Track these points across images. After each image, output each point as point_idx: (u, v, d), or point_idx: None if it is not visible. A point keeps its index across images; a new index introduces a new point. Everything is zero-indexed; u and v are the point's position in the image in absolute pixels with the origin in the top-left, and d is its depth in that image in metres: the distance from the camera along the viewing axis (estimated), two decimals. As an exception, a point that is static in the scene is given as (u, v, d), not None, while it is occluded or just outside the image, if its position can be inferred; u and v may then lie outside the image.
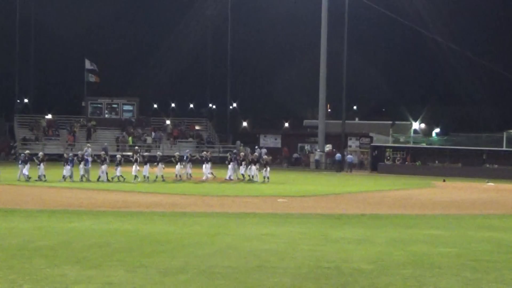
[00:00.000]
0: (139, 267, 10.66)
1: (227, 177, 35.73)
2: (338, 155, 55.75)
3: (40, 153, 34.26)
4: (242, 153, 39.30)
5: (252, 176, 35.89)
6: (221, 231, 15.80)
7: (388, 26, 75.96)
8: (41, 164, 32.64)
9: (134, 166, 33.51)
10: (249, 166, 36.09)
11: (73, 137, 58.92)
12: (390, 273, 10.64)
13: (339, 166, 54.67)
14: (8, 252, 11.93)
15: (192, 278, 9.94)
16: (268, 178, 35.81)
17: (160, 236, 14.50)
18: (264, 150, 57.64)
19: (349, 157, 55.59)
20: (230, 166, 35.98)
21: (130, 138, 60.38)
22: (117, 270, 10.33)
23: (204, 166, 35.72)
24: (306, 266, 11.09)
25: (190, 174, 35.72)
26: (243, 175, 36.22)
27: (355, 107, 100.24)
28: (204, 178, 35.30)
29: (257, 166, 36.36)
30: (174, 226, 16.71)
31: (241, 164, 36.18)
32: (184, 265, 10.87)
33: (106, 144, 41.78)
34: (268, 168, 36.44)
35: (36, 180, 32.08)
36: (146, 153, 37.53)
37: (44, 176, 32.53)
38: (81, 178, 32.84)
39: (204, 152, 37.99)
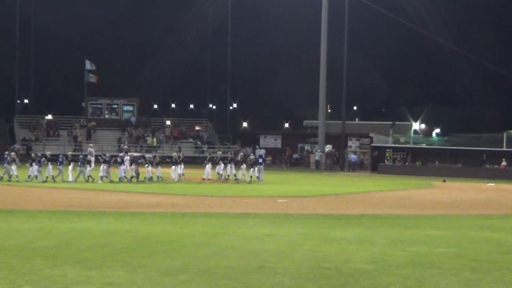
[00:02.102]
0: (139, 267, 10.65)
1: (204, 177, 36.01)
2: (350, 156, 56.18)
3: (12, 153, 34.47)
4: (219, 152, 40.15)
5: (235, 175, 36.46)
6: (221, 231, 15.79)
7: (388, 26, 75.90)
8: (13, 164, 32.92)
9: (102, 166, 33.50)
10: (230, 165, 36.64)
11: (82, 137, 58.97)
12: (390, 273, 10.63)
13: (355, 167, 54.90)
14: (8, 253, 11.92)
15: (192, 278, 9.94)
16: (252, 177, 36.34)
17: (160, 236, 14.50)
18: (263, 151, 57.82)
19: (352, 157, 55.85)
20: (207, 166, 36.36)
21: (154, 140, 60.46)
22: (117, 271, 10.33)
23: (173, 167, 35.33)
24: (306, 266, 11.08)
25: (160, 177, 34.97)
26: (220, 174, 36.46)
27: (355, 108, 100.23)
28: (175, 180, 34.82)
29: (244, 165, 36.80)
30: (174, 226, 16.71)
31: (218, 163, 36.67)
32: (184, 265, 10.87)
33: (126, 147, 42.05)
34: (256, 168, 36.81)
35: (8, 180, 32.49)
36: (121, 154, 37.16)
37: (17, 176, 32.82)
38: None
39: (175, 153, 37.63)
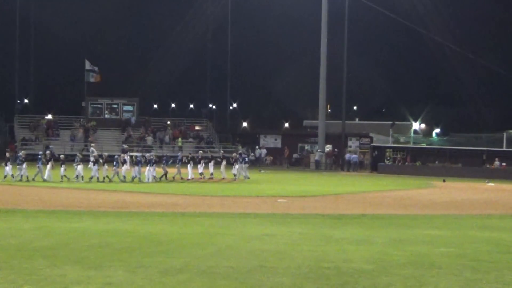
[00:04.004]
0: (139, 267, 10.65)
1: (189, 177, 36.16)
2: (350, 156, 56.37)
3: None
4: (200, 152, 40.83)
5: (211, 173, 36.96)
6: (221, 231, 15.79)
7: (388, 26, 75.98)
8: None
9: (79, 166, 33.43)
10: (210, 164, 37.30)
11: (92, 137, 58.97)
12: (390, 273, 10.63)
13: (355, 167, 55.13)
14: (8, 252, 11.92)
15: (192, 278, 9.94)
16: (235, 175, 36.99)
17: (160, 236, 14.50)
18: (264, 150, 57.75)
19: (353, 157, 55.92)
20: (189, 166, 36.75)
21: (179, 140, 60.45)
22: (117, 270, 10.33)
23: (147, 168, 34.79)
24: (306, 266, 11.08)
25: (138, 177, 34.60)
26: (201, 173, 36.69)
27: (355, 107, 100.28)
28: (146, 180, 34.20)
29: (224, 163, 37.51)
30: (174, 226, 16.71)
31: (199, 163, 37.07)
32: (184, 265, 10.87)
33: (126, 146, 41.95)
34: (237, 166, 37.27)
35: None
36: (95, 153, 37.01)
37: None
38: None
39: (148, 154, 37.29)
